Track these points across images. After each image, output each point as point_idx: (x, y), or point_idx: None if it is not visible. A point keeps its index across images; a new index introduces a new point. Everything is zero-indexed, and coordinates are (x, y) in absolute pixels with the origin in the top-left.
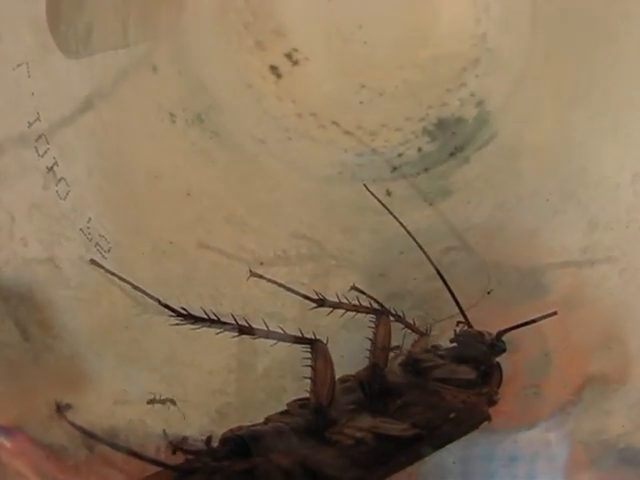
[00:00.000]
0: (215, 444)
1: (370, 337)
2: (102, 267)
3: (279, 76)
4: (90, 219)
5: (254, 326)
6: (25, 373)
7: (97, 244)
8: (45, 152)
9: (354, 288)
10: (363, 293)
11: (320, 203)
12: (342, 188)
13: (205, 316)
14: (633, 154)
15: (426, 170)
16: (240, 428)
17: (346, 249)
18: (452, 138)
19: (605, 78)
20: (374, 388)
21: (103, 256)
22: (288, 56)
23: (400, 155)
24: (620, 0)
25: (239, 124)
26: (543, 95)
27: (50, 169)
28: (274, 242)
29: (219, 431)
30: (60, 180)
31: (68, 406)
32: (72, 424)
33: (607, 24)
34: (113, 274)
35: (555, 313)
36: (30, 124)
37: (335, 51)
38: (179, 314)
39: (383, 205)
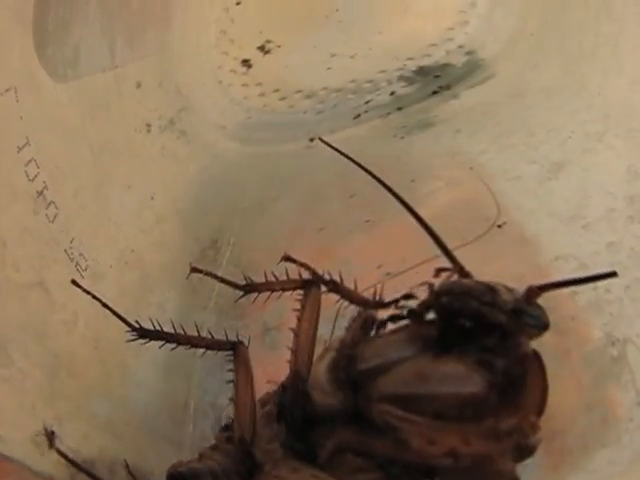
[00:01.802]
0: None
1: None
2: (93, 295)
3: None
4: (82, 242)
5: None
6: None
7: (87, 267)
8: (35, 176)
9: (286, 259)
10: (294, 261)
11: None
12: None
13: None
14: None
15: (399, 109)
16: (180, 464)
17: None
18: (435, 80)
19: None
20: (296, 415)
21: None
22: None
23: (368, 102)
24: None
25: None
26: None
27: (40, 193)
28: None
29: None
30: (50, 204)
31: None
32: (60, 452)
33: None
34: (104, 302)
35: (615, 274)
36: (19, 149)
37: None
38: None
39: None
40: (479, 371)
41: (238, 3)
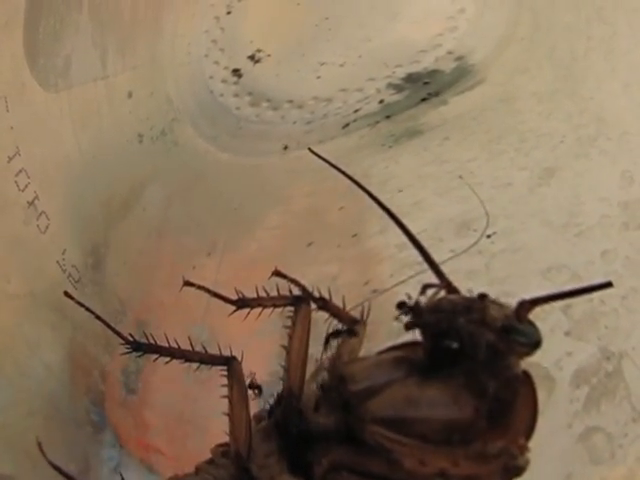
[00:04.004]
0: None
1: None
2: (86, 307)
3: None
4: (74, 253)
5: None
6: None
7: (80, 279)
8: (26, 186)
9: (276, 273)
10: (284, 277)
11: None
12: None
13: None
14: None
15: (388, 117)
16: (177, 477)
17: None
18: (424, 87)
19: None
20: (291, 432)
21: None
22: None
23: (356, 111)
24: None
25: None
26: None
27: (31, 203)
28: None
29: None
30: (41, 214)
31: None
32: (51, 463)
33: None
34: (97, 314)
35: (611, 284)
36: (10, 159)
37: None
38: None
39: (344, 173)
40: (466, 396)
41: (229, 12)
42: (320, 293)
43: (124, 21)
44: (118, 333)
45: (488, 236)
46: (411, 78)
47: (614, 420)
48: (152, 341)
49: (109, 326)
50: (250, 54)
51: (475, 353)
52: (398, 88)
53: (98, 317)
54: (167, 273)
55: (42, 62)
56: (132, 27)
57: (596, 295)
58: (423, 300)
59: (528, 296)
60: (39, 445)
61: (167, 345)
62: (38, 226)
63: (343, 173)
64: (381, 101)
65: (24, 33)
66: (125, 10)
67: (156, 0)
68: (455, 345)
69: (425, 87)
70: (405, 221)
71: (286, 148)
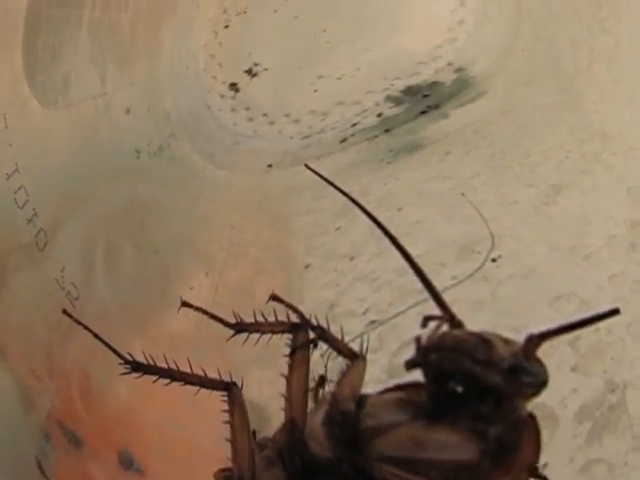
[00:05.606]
0: None
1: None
2: (85, 325)
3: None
4: (73, 271)
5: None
6: None
7: (79, 296)
8: (25, 203)
9: (274, 298)
10: (282, 301)
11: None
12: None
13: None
14: None
15: (386, 131)
16: None
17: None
18: (424, 100)
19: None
20: (295, 462)
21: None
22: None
23: (354, 125)
24: None
25: None
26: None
27: (30, 221)
28: None
29: None
30: (39, 231)
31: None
32: None
33: None
34: (95, 333)
35: (618, 311)
36: (9, 176)
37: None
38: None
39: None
40: (473, 440)
41: (227, 26)
42: (318, 321)
43: (123, 38)
44: (117, 353)
45: (493, 260)
46: (410, 90)
47: (615, 450)
48: (152, 362)
49: (108, 345)
50: (247, 68)
51: (482, 397)
52: (397, 101)
53: (96, 336)
54: (164, 293)
55: (41, 79)
56: (131, 43)
57: (603, 324)
58: (424, 334)
59: (536, 329)
60: (38, 464)
61: (166, 367)
62: (37, 243)
63: (340, 190)
64: (379, 114)
65: (23, 51)
66: (124, 27)
67: (155, 16)
68: (460, 389)
69: (425, 100)
70: (405, 242)
71: (282, 164)
